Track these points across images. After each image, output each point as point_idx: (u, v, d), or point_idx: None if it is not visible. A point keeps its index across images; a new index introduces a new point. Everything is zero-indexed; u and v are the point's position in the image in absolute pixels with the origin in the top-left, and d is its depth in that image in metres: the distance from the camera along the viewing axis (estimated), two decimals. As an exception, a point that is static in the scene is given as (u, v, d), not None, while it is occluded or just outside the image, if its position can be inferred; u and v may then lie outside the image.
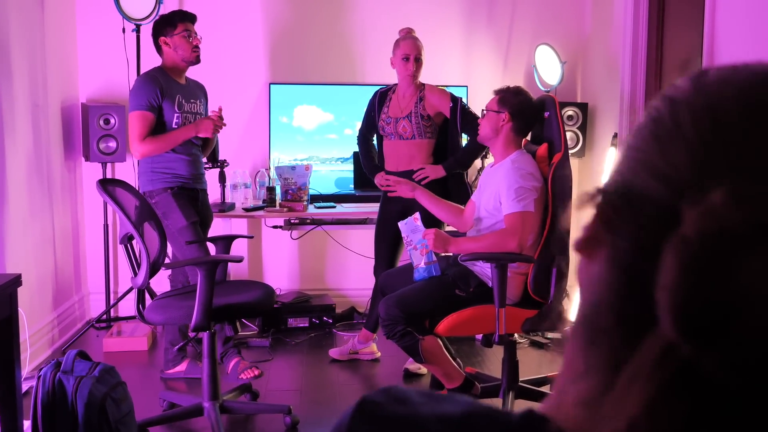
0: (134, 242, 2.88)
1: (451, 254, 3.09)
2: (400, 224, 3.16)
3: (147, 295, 2.98)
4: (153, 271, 2.83)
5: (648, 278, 0.44)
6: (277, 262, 4.70)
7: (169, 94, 3.40)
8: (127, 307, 4.47)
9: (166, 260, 3.25)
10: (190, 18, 3.52)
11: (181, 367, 3.59)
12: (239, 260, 2.96)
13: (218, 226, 3.98)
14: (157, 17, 3.67)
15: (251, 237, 3.75)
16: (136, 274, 2.89)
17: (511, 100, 3.03)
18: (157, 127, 3.41)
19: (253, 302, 2.95)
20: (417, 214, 3.15)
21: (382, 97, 3.80)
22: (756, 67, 0.49)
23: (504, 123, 3.01)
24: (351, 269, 4.71)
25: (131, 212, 2.82)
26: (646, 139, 0.49)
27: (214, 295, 2.79)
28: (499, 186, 2.92)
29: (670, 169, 0.46)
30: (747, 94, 0.47)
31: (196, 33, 3.52)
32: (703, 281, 0.41)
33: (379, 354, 3.86)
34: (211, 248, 3.42)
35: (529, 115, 3.06)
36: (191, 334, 3.64)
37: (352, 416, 0.55)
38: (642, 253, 0.46)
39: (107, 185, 2.81)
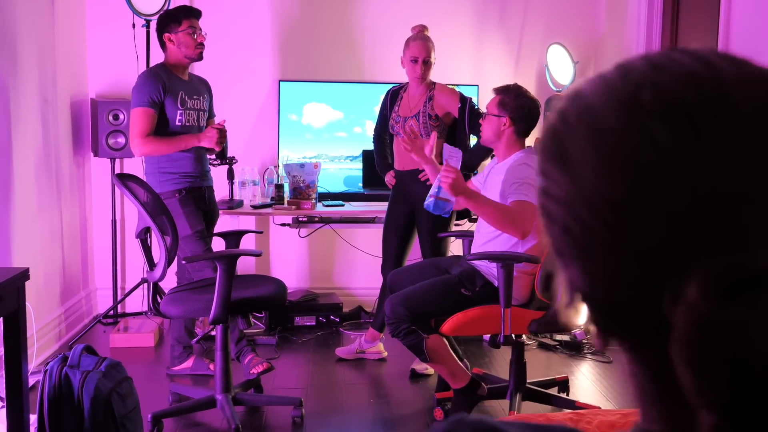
0: (149, 237, 2.89)
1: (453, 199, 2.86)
2: (445, 147, 2.91)
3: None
4: (170, 264, 2.85)
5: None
6: (285, 259, 4.69)
7: (171, 90, 3.38)
8: (134, 303, 4.47)
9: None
10: (195, 14, 3.48)
11: (187, 363, 3.59)
12: (258, 254, 2.97)
13: (226, 223, 3.98)
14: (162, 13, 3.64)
15: (261, 232, 3.74)
16: (152, 269, 2.90)
17: (512, 103, 2.98)
18: (160, 125, 3.39)
19: (267, 296, 2.95)
20: (452, 149, 2.90)
21: (394, 96, 3.78)
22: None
23: (506, 127, 2.98)
24: (359, 268, 4.70)
25: (147, 206, 2.83)
26: None
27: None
28: (504, 182, 2.88)
29: None
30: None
31: (201, 29, 3.47)
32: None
33: (386, 353, 3.84)
34: (221, 244, 3.41)
35: (531, 117, 3.02)
36: (201, 331, 3.64)
37: None
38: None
39: (125, 179, 2.81)
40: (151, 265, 2.92)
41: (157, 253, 2.85)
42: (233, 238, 3.33)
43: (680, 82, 0.48)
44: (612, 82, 0.51)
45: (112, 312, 4.37)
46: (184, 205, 3.38)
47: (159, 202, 2.93)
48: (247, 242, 4.33)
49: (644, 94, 0.48)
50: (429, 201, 2.87)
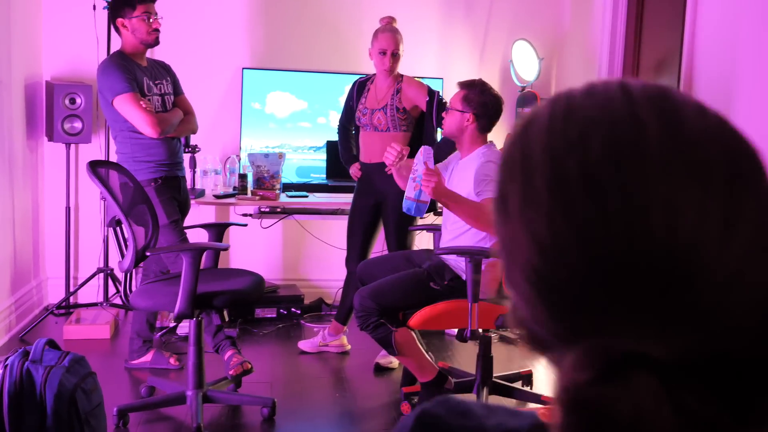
0: (123, 226, 2.80)
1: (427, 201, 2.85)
2: (423, 148, 2.86)
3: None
4: (142, 255, 2.75)
5: None
6: (246, 251, 4.60)
7: (135, 79, 3.28)
8: (88, 293, 4.33)
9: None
10: None
11: (147, 357, 3.49)
12: (225, 248, 2.89)
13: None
14: None
15: (245, 225, 3.63)
16: (123, 258, 2.81)
17: (476, 99, 2.99)
18: None
19: (242, 290, 2.86)
20: (430, 150, 2.86)
21: (360, 87, 3.74)
22: None
23: (469, 123, 2.99)
24: (321, 260, 4.65)
25: (119, 196, 2.73)
26: None
27: (203, 282, 2.72)
28: (475, 180, 2.89)
29: None
30: None
31: (156, 14, 3.35)
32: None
33: (349, 347, 3.81)
34: (204, 235, 3.32)
35: (494, 113, 3.04)
36: (161, 324, 3.54)
37: (412, 430, 0.54)
38: None
39: (96, 167, 2.70)
40: (123, 254, 2.83)
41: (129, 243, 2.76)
42: (215, 230, 3.25)
43: (604, 153, 0.47)
44: (554, 130, 0.50)
45: (64, 303, 4.23)
46: (161, 194, 3.28)
47: (139, 190, 2.84)
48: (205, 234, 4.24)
49: (571, 161, 0.48)
50: (410, 204, 2.86)
